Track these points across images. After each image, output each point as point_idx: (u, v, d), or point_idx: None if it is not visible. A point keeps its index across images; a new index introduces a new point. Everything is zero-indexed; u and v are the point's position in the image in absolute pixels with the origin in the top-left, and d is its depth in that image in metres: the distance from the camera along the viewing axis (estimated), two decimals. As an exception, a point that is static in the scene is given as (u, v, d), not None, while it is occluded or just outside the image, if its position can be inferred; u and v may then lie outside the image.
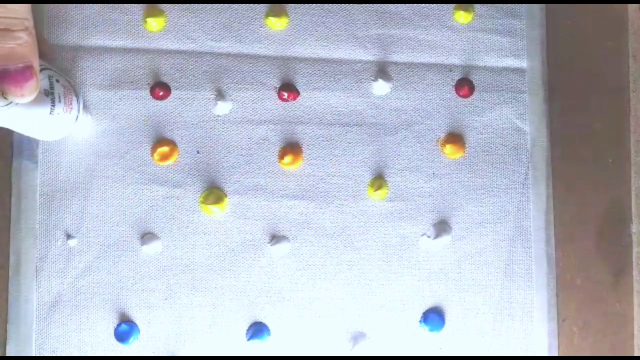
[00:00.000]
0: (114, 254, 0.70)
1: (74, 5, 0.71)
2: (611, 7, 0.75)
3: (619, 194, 0.74)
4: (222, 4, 0.72)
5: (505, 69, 0.73)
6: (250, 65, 0.72)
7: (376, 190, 0.71)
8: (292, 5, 0.72)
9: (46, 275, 0.69)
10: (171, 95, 0.71)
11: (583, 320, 0.72)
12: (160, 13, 0.71)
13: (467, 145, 0.73)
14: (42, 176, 0.69)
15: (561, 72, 0.74)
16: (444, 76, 0.73)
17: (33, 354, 0.68)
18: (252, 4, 0.72)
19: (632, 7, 0.75)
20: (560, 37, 0.74)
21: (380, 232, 0.71)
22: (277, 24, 0.72)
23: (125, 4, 0.71)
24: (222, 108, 0.71)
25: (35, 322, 0.68)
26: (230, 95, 0.71)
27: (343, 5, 0.73)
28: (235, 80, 0.72)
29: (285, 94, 0.71)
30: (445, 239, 0.71)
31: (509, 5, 0.74)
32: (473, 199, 0.72)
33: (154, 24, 0.71)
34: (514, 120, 0.73)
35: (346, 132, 0.72)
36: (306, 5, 0.72)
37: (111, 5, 0.71)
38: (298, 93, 0.72)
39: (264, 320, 0.70)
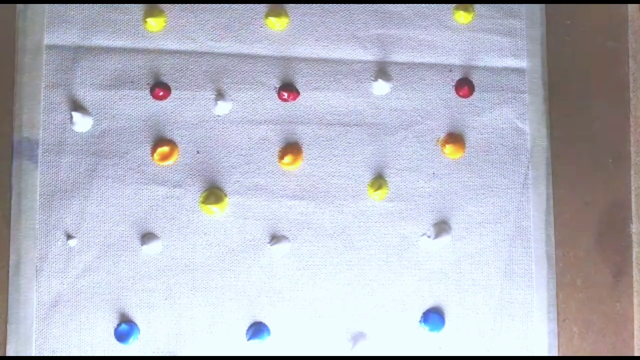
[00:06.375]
0: (114, 254, 0.70)
1: (74, 5, 0.71)
2: (611, 7, 0.75)
3: (619, 194, 0.74)
4: (222, 4, 0.72)
5: (505, 69, 0.73)
6: (250, 65, 0.72)
7: (376, 190, 0.71)
8: (292, 5, 0.72)
9: (46, 275, 0.69)
10: (171, 95, 0.71)
11: (583, 320, 0.72)
12: (160, 13, 0.71)
13: (467, 145, 0.73)
14: (42, 176, 0.69)
15: (561, 72, 0.74)
16: (444, 76, 0.73)
17: (33, 354, 0.68)
18: (252, 4, 0.72)
19: (632, 7, 0.75)
20: (560, 37, 0.74)
21: (380, 232, 0.71)
22: (277, 24, 0.72)
23: (125, 4, 0.71)
24: (222, 108, 0.71)
25: (35, 322, 0.68)
26: (230, 95, 0.71)
27: (343, 5, 0.73)
28: (235, 80, 0.72)
29: (285, 94, 0.71)
30: (445, 239, 0.71)
31: (509, 5, 0.74)
32: (473, 199, 0.72)
33: (154, 24, 0.71)
34: (514, 120, 0.73)
35: (346, 132, 0.72)
36: (306, 5, 0.72)
37: (111, 5, 0.71)
38: (298, 93, 0.72)
39: (264, 320, 0.70)
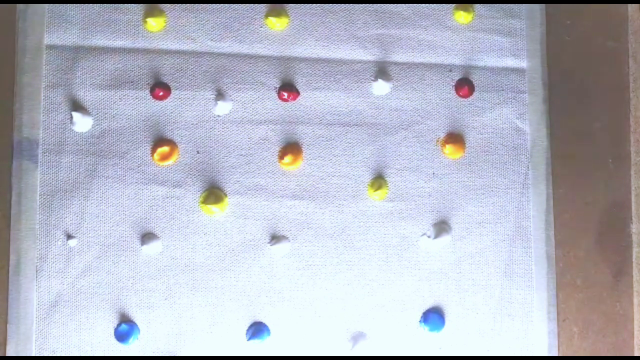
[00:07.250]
0: (114, 254, 0.70)
1: (74, 5, 0.71)
2: (611, 7, 0.75)
3: (619, 194, 0.74)
4: (222, 4, 0.72)
5: (505, 69, 0.73)
6: (250, 65, 0.72)
7: (376, 190, 0.71)
8: (292, 5, 0.72)
9: (46, 275, 0.69)
10: (171, 95, 0.71)
11: (583, 320, 0.72)
12: (160, 13, 0.71)
13: (467, 145, 0.73)
14: (42, 176, 0.69)
15: (561, 72, 0.74)
16: (444, 76, 0.73)
17: (33, 354, 0.68)
18: (252, 4, 0.72)
19: (632, 7, 0.75)
20: (560, 37, 0.74)
21: (380, 232, 0.71)
22: (277, 24, 0.72)
23: (125, 4, 0.71)
24: (222, 108, 0.71)
25: (35, 322, 0.68)
26: (230, 95, 0.71)
27: (343, 5, 0.73)
28: (235, 80, 0.72)
29: (285, 94, 0.71)
30: (445, 239, 0.71)
31: (509, 5, 0.74)
32: (473, 199, 0.72)
33: (154, 24, 0.71)
34: (514, 120, 0.73)
35: (346, 132, 0.72)
36: (306, 5, 0.72)
37: (111, 5, 0.71)
38: (298, 93, 0.72)
39: (264, 320, 0.70)
